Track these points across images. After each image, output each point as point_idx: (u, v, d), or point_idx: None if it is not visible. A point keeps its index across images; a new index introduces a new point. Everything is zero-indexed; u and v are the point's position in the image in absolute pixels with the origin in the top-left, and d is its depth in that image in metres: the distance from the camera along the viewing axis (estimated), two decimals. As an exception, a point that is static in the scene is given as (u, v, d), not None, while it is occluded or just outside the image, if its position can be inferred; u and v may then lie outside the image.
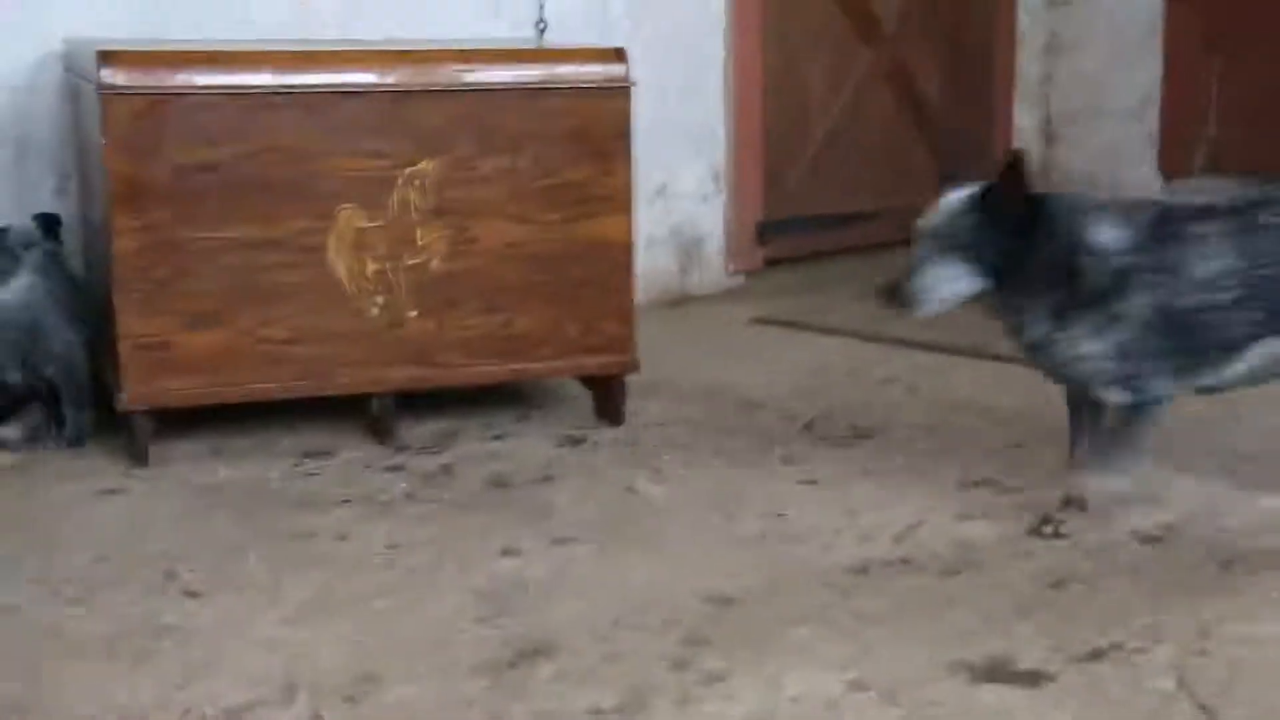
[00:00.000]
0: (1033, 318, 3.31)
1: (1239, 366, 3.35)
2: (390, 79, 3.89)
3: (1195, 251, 3.28)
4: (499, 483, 3.77)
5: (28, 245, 4.00)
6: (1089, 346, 3.28)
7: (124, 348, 3.74)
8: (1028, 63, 6.69)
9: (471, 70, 3.99)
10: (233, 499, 3.65)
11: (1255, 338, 3.32)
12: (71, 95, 4.11)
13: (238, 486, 3.73)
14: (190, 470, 3.83)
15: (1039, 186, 3.40)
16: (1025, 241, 3.25)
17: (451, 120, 3.93)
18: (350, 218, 3.89)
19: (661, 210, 5.48)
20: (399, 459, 3.93)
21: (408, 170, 3.92)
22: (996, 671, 2.77)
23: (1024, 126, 6.71)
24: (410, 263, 3.96)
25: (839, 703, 2.66)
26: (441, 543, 3.36)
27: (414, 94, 3.90)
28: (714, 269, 5.75)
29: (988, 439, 4.04)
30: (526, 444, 4.05)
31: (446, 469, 3.87)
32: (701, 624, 2.96)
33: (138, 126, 3.65)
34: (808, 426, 4.19)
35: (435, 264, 3.97)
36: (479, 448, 4.02)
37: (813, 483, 3.74)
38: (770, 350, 5.03)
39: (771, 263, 6.06)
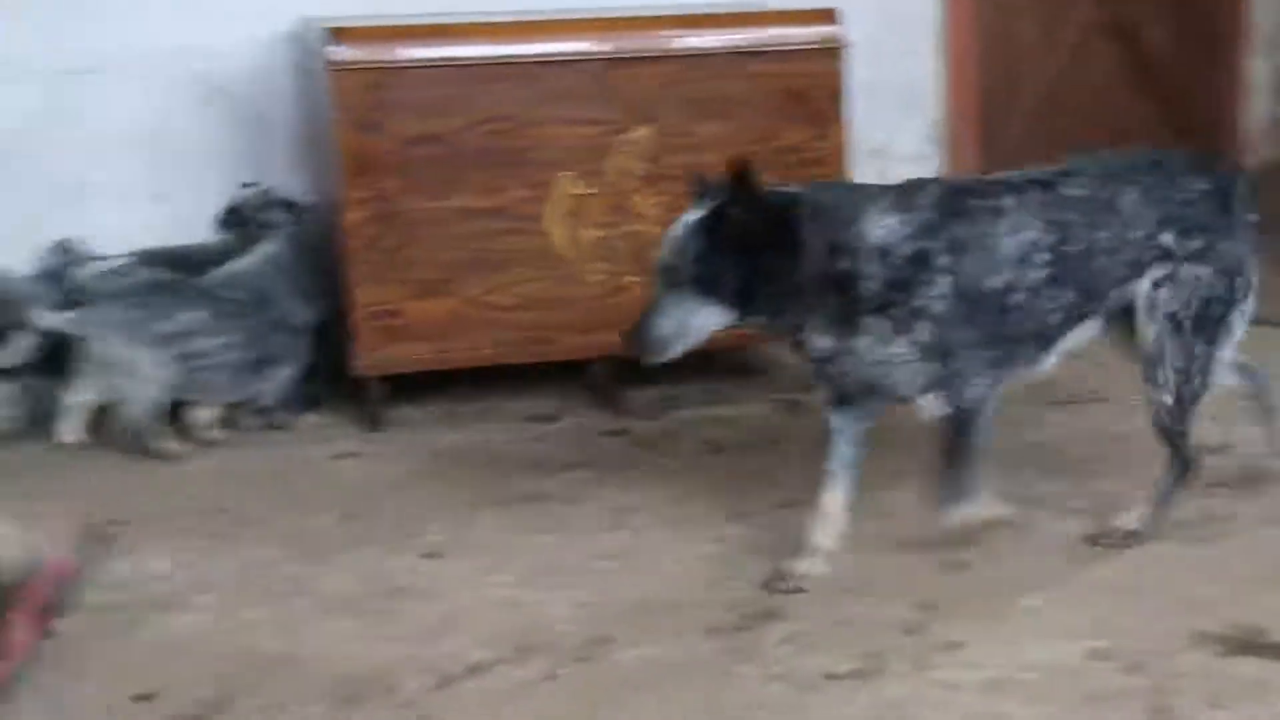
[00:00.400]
0: (814, 332, 2.91)
1: (1051, 358, 3.07)
2: (605, 46, 3.92)
3: (996, 225, 2.93)
4: (721, 447, 3.79)
5: (267, 221, 4.16)
6: (886, 352, 2.89)
7: (357, 316, 3.85)
8: (1262, 11, 6.38)
9: (684, 35, 3.99)
10: (463, 462, 3.74)
11: (1071, 322, 3.01)
12: (304, 73, 4.24)
13: (467, 450, 3.82)
14: (422, 434, 3.93)
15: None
16: (777, 256, 2.85)
17: (665, 86, 3.95)
18: (566, 185, 3.93)
19: (877, 172, 5.40)
20: (622, 424, 3.97)
21: (622, 137, 3.94)
22: (1249, 644, 2.68)
23: (1259, 81, 6.40)
24: (628, 230, 3.98)
25: (1080, 671, 2.61)
26: (667, 507, 3.39)
27: (627, 61, 3.93)
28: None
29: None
30: (747, 409, 4.06)
31: (669, 434, 3.90)
32: (932, 590, 2.94)
33: (366, 100, 3.74)
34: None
35: (654, 231, 3.99)
36: (700, 413, 4.05)
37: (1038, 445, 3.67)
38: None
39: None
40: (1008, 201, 2.95)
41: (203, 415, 3.89)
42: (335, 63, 3.72)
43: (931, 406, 2.94)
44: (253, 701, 2.60)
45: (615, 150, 3.95)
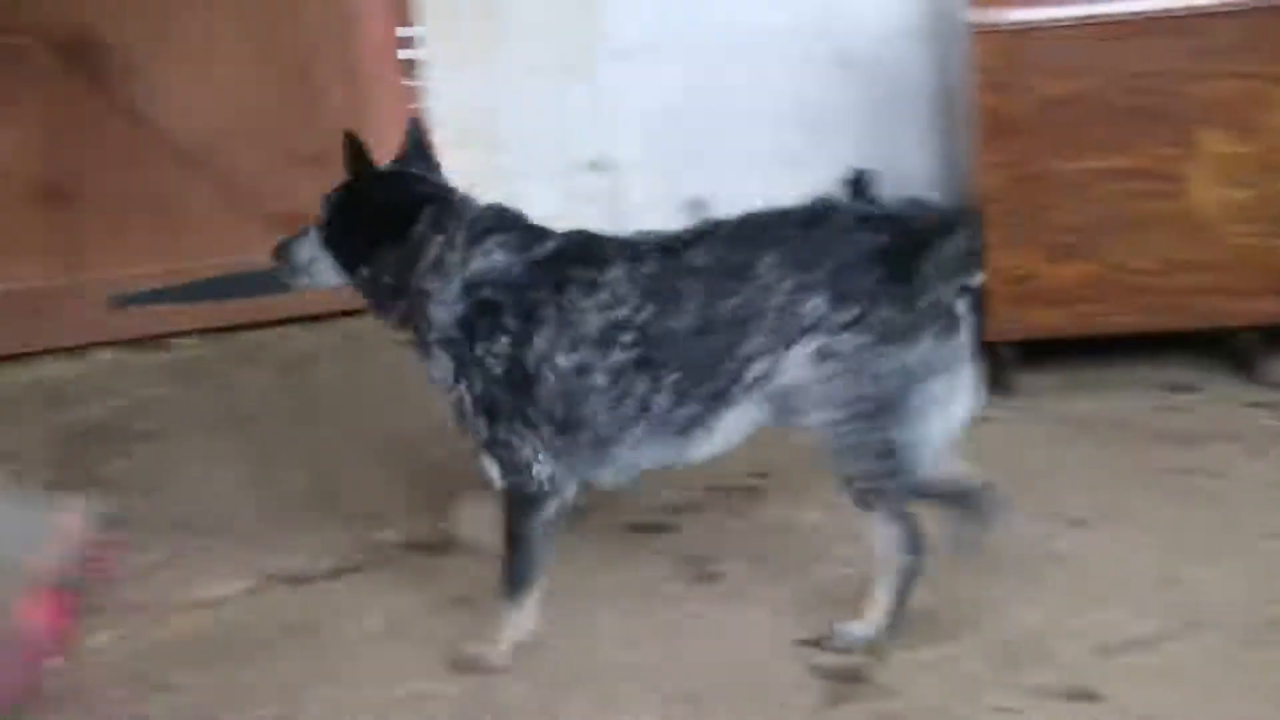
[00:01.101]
0: (412, 346, 2.75)
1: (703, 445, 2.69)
2: (1261, -6, 3.68)
3: (584, 299, 2.63)
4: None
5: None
6: (450, 393, 2.70)
7: (991, 280, 3.83)
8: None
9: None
10: (1098, 431, 3.65)
11: (699, 403, 2.62)
12: (938, 37, 4.26)
13: (1102, 419, 3.72)
14: (1054, 401, 3.87)
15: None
16: (378, 244, 2.73)
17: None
18: (1214, 142, 3.74)
19: None
20: (1266, 395, 3.75)
21: (1281, 91, 3.70)
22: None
23: None
24: (1279, 189, 3.74)
25: None
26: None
27: (1292, 8, 3.67)
28: None
29: None
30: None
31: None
32: None
33: (1006, 61, 3.71)
34: None
35: (1314, 192, 3.73)
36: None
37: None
38: None
39: None
40: (612, 274, 2.65)
41: None
42: (976, 24, 3.72)
43: (489, 471, 2.72)
44: (913, 656, 2.66)
45: (1273, 105, 3.71)
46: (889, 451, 2.60)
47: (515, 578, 2.73)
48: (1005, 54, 3.72)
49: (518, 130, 4.43)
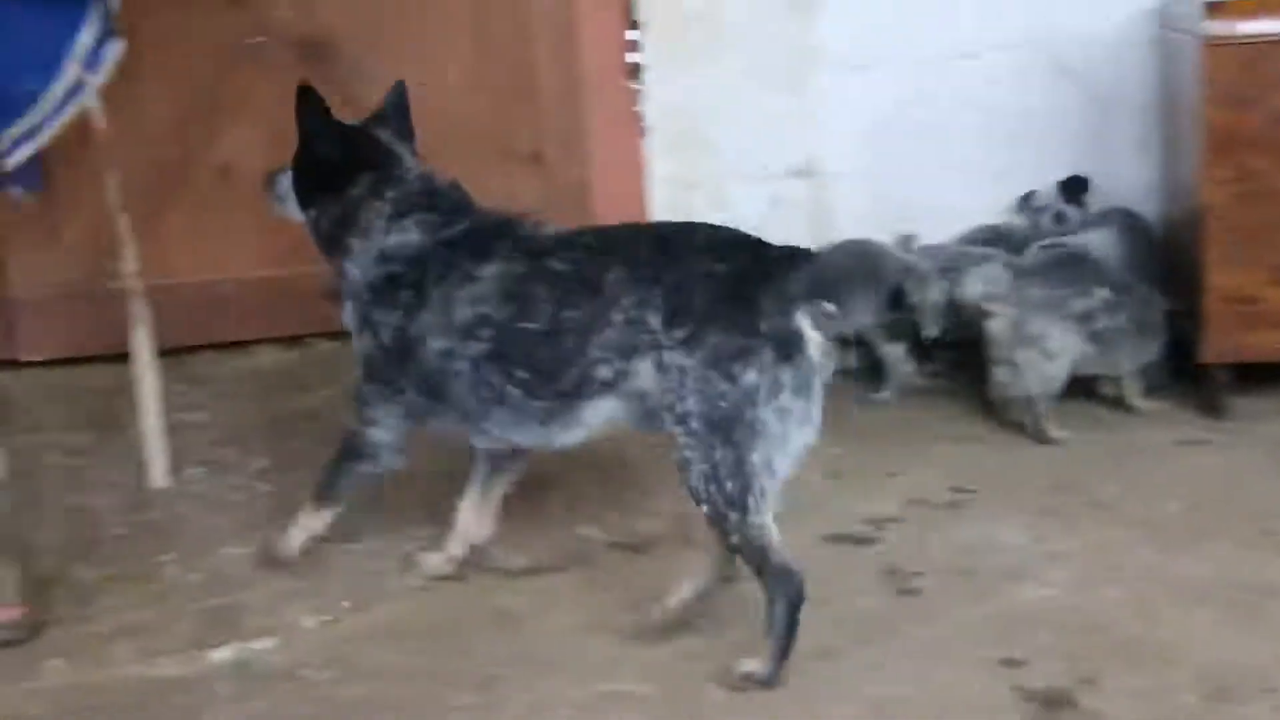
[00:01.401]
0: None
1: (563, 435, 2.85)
2: None
3: (460, 290, 2.83)
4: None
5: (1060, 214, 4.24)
6: (357, 342, 2.96)
7: (1209, 300, 3.73)
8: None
9: None
10: (1321, 459, 3.53)
11: (550, 399, 2.79)
12: (1165, 49, 4.16)
13: (1320, 447, 3.60)
14: (1270, 425, 3.75)
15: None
16: (321, 193, 2.99)
17: None
18: None
19: None
20: None
21: None
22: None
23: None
24: None
25: None
26: None
27: None
28: None
29: None
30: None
31: None
32: None
33: (1239, 76, 3.60)
34: None
35: None
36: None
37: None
38: None
39: None
40: (488, 270, 2.83)
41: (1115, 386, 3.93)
42: (1207, 35, 3.61)
43: (346, 418, 3.03)
44: (1120, 683, 2.60)
45: None
46: (727, 473, 2.61)
47: (317, 496, 3.06)
48: (1239, 68, 3.62)
49: (729, 135, 4.45)
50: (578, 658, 2.80)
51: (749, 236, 2.76)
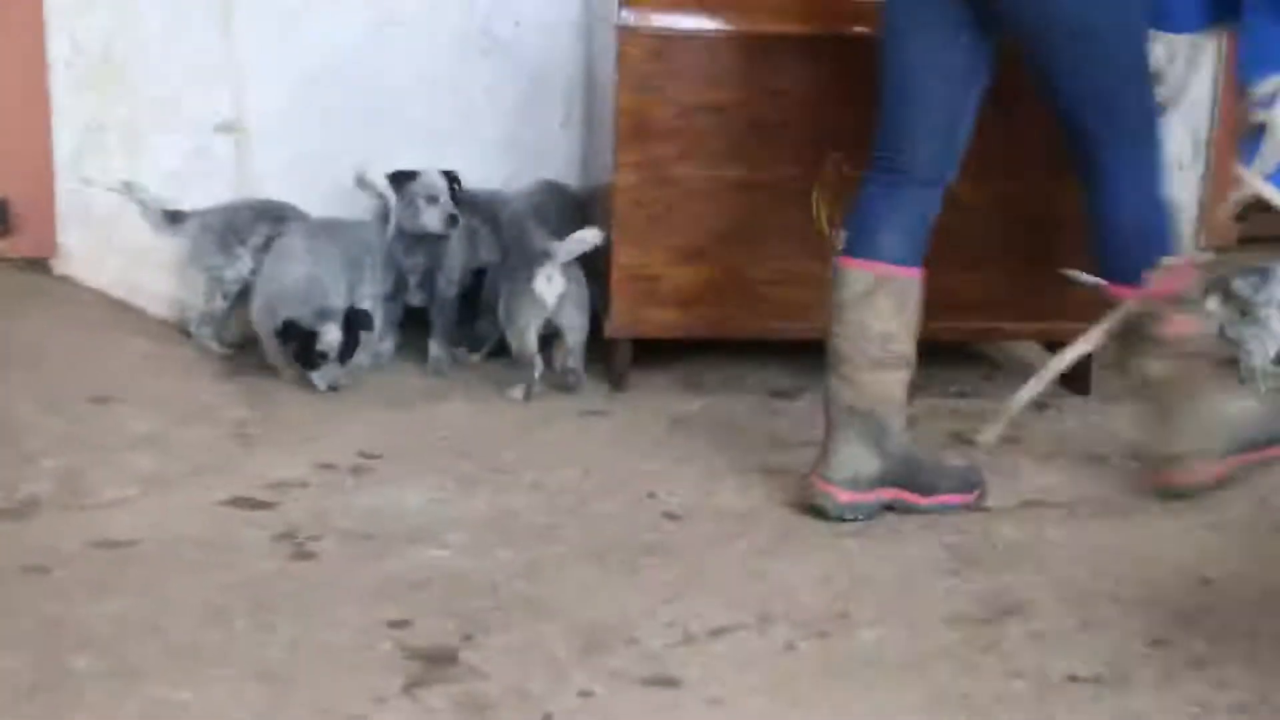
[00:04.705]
0: None
1: None
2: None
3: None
4: (964, 440, 3.74)
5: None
6: None
7: (616, 277, 3.91)
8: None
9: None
10: (704, 429, 3.78)
11: None
12: (588, 34, 4.32)
13: (708, 418, 3.87)
14: (664, 399, 3.99)
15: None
16: None
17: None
18: (838, 163, 3.90)
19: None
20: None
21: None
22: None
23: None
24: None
25: (1338, 705, 2.52)
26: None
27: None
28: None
29: None
30: (990, 404, 3.99)
31: (911, 420, 3.86)
32: (1182, 602, 2.87)
33: (649, 66, 3.79)
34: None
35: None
36: (942, 404, 4.01)
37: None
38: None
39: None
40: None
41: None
42: (623, 25, 3.78)
43: None
44: (499, 639, 2.68)
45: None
46: None
47: None
48: (647, 56, 3.80)
49: (149, 78, 4.24)
50: None
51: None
